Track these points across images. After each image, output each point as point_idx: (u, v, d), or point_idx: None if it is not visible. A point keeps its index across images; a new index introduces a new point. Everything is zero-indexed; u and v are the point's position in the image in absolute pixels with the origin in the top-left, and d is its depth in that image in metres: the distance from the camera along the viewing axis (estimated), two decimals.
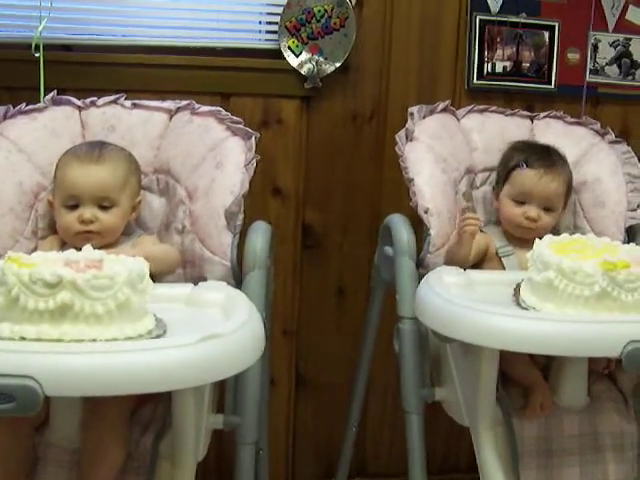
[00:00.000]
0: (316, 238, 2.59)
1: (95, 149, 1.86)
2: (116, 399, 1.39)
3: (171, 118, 2.00)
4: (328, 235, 2.60)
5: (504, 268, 1.99)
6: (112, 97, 2.02)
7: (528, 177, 2.04)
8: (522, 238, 2.01)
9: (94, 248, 1.47)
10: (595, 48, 2.62)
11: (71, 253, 1.42)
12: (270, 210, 2.51)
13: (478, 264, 2.02)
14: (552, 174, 2.04)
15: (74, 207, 1.79)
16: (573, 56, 2.62)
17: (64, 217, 1.80)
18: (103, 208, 1.79)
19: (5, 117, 1.92)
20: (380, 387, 2.66)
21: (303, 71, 2.44)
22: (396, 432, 2.64)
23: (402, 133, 2.06)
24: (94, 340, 1.28)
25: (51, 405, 1.56)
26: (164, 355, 1.25)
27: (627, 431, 1.86)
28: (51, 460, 1.59)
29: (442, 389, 1.91)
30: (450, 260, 1.95)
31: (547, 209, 2.03)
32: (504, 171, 2.10)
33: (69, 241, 1.80)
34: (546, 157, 2.08)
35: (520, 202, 2.04)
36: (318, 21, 2.43)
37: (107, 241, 1.78)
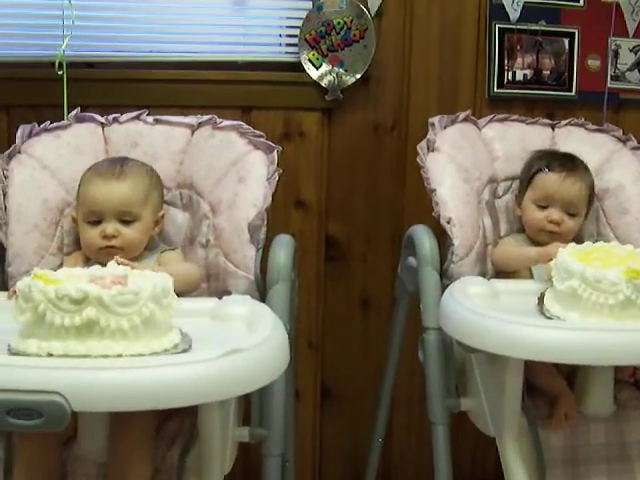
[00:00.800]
0: (339, 250, 2.60)
1: (116, 165, 1.87)
2: (143, 414, 1.39)
3: (193, 133, 2.01)
4: (351, 247, 2.60)
5: (532, 276, 1.98)
6: (134, 113, 2.04)
7: (550, 180, 2.05)
8: (547, 244, 2.00)
9: (118, 263, 1.49)
10: (616, 54, 2.61)
11: (96, 269, 1.44)
12: (293, 222, 2.52)
13: (507, 272, 2.02)
14: (574, 177, 2.04)
15: (97, 223, 1.80)
16: (593, 62, 2.61)
17: (87, 233, 1.81)
18: (125, 223, 1.80)
19: (30, 135, 1.94)
20: (406, 398, 2.65)
21: (324, 83, 2.45)
22: (422, 443, 2.63)
23: (423, 144, 2.06)
24: (120, 355, 1.30)
25: (79, 420, 1.57)
26: (189, 370, 1.26)
27: None
28: (79, 474, 1.60)
29: (468, 399, 1.91)
30: (504, 263, 2.00)
31: (570, 213, 2.03)
32: (526, 177, 2.10)
33: (92, 256, 1.81)
34: (568, 162, 2.08)
35: (543, 206, 2.04)
36: (338, 33, 2.44)
37: (130, 256, 1.77)
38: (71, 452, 1.60)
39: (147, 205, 1.84)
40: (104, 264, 1.48)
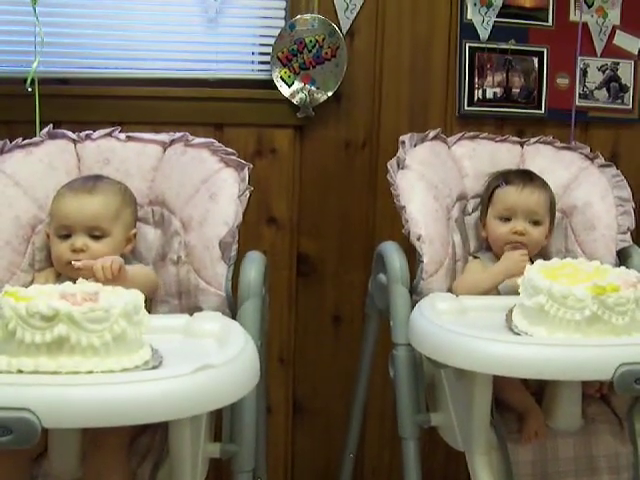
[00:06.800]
0: (311, 266, 2.61)
1: (89, 181, 1.89)
2: (115, 429, 1.39)
3: (165, 150, 2.02)
4: (323, 263, 2.62)
5: (498, 293, 2.00)
6: (107, 130, 2.04)
7: (509, 192, 2.08)
8: None
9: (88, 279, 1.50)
10: (584, 73, 2.66)
11: (67, 286, 1.43)
12: (265, 239, 2.53)
13: None
14: (532, 187, 2.08)
15: (67, 237, 1.81)
16: (562, 81, 2.65)
17: (57, 246, 1.82)
18: (94, 238, 1.81)
19: (2, 152, 1.94)
20: (377, 413, 2.66)
21: (295, 101, 2.47)
22: (394, 458, 2.64)
23: (393, 161, 2.08)
24: (90, 372, 1.30)
25: (49, 436, 1.56)
26: (160, 386, 1.26)
27: (622, 453, 1.87)
28: None
29: (437, 414, 1.92)
30: (471, 293, 1.96)
31: (533, 222, 2.06)
32: (486, 196, 2.14)
33: (62, 271, 1.82)
34: (524, 175, 2.13)
35: (506, 219, 2.07)
36: (310, 51, 2.46)
37: None
38: (41, 469, 1.59)
39: (118, 222, 1.85)
40: (73, 279, 1.48)
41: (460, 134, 2.26)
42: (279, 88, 2.46)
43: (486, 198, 2.14)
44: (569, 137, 2.51)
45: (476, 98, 2.61)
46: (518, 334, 1.62)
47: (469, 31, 2.57)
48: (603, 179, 2.22)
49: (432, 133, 2.19)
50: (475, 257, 2.13)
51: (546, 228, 2.09)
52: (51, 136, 2.01)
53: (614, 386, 1.48)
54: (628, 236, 2.12)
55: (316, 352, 2.66)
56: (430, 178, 2.08)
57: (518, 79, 2.63)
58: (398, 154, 2.09)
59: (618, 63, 2.68)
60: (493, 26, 2.58)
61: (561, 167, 2.25)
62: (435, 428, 1.94)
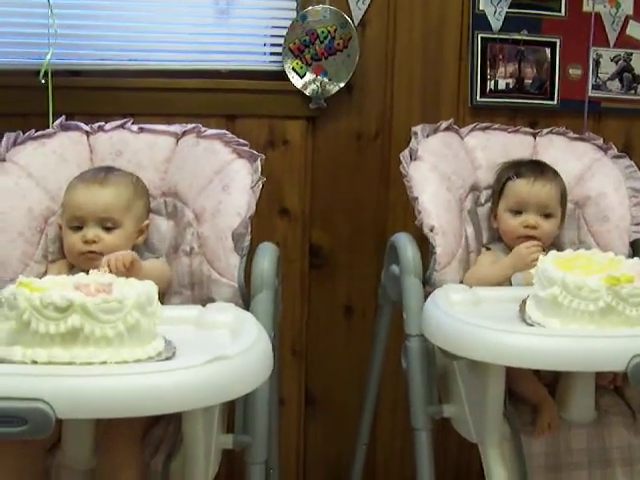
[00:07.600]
0: (323, 257, 2.61)
1: (101, 173, 1.90)
2: (128, 420, 1.40)
3: (177, 142, 2.02)
4: (335, 254, 2.61)
5: (510, 284, 2.00)
6: (119, 122, 2.04)
7: (521, 185, 2.08)
8: None
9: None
10: (597, 63, 2.64)
11: (81, 277, 1.44)
12: (277, 230, 2.54)
13: None
14: (543, 180, 2.07)
15: (79, 228, 1.82)
16: (575, 72, 2.64)
17: (69, 238, 1.83)
18: (106, 229, 1.82)
19: (15, 143, 1.94)
20: (389, 404, 2.66)
21: (307, 92, 2.46)
22: (406, 449, 2.64)
23: (406, 152, 2.08)
24: (104, 363, 1.30)
25: (63, 427, 1.57)
26: (174, 377, 1.27)
27: (635, 445, 1.87)
28: None
29: (450, 406, 1.92)
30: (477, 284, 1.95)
31: (545, 215, 2.06)
32: (497, 188, 2.13)
33: (74, 262, 1.83)
34: (535, 167, 2.12)
35: (517, 212, 2.07)
36: (322, 42, 2.45)
37: None
38: (55, 460, 1.60)
39: (129, 213, 1.86)
40: (86, 270, 1.49)
41: (472, 125, 2.26)
42: (291, 79, 2.46)
43: (497, 190, 2.13)
44: (582, 128, 2.49)
45: (488, 89, 2.60)
46: (532, 325, 1.61)
47: (481, 22, 2.56)
48: (616, 170, 2.22)
49: (444, 124, 2.19)
50: (488, 248, 2.13)
51: (558, 220, 2.09)
52: (64, 128, 2.02)
53: (628, 378, 1.47)
54: None
55: (328, 343, 2.66)
56: (443, 169, 2.08)
57: (530, 70, 2.62)
58: (410, 145, 2.09)
59: (631, 54, 2.66)
60: (505, 17, 2.56)
61: (574, 158, 2.24)
62: (448, 419, 1.94)
